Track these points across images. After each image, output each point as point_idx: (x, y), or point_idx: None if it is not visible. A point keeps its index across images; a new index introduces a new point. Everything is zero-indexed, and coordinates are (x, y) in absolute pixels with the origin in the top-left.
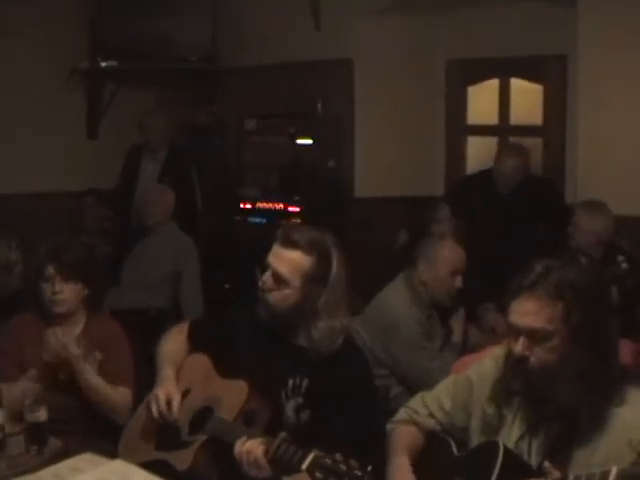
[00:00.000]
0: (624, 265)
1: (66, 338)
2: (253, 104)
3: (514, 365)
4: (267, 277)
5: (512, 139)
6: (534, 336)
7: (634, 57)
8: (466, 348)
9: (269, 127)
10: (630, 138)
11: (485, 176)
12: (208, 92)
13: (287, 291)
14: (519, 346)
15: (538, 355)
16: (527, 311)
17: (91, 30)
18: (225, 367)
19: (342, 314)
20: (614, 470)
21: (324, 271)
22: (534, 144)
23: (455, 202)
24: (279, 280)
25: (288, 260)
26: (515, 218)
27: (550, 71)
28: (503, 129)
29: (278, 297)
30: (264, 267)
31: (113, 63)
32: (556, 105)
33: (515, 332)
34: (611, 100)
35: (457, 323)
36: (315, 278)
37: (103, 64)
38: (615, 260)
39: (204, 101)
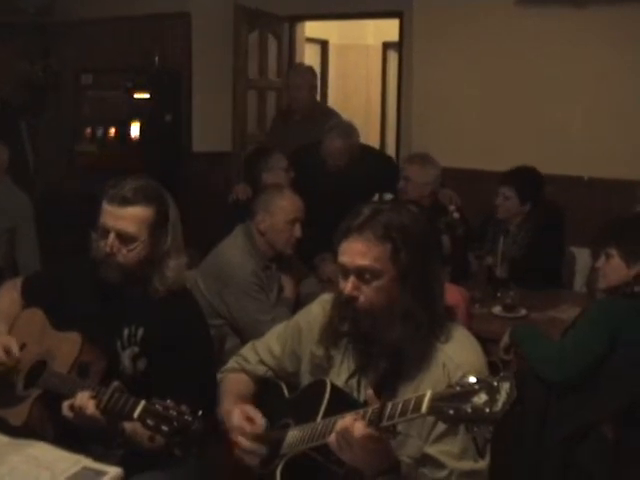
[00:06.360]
0: (455, 214)
1: None
2: (89, 58)
3: (343, 306)
4: (112, 240)
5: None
6: (363, 275)
7: (465, 17)
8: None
9: (106, 82)
10: (459, 94)
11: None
12: (43, 46)
13: (137, 247)
14: (348, 286)
15: (367, 295)
16: (356, 251)
17: None
18: (60, 320)
19: (184, 247)
20: (428, 394)
21: (164, 214)
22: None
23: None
24: (126, 239)
25: (131, 218)
26: (346, 192)
27: None
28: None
29: (129, 255)
30: (102, 231)
31: None
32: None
33: (344, 272)
34: (444, 57)
35: (288, 279)
36: (159, 224)
37: None
38: (446, 210)
39: (39, 55)
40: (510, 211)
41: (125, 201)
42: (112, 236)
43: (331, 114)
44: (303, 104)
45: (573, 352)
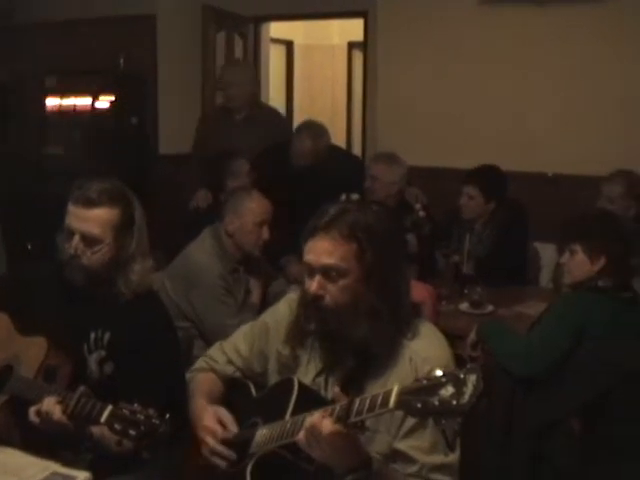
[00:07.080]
0: (421, 213)
1: None
2: (54, 61)
3: (309, 305)
4: (76, 242)
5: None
6: (329, 274)
7: (429, 16)
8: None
9: (70, 84)
10: (424, 93)
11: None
12: (7, 49)
13: (101, 249)
14: (314, 285)
15: (332, 294)
16: (322, 250)
17: None
18: (26, 324)
19: (149, 251)
20: (395, 388)
21: (129, 216)
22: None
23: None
24: (91, 241)
25: (95, 219)
26: (312, 193)
27: None
28: None
29: (93, 257)
30: (67, 233)
31: None
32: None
33: (310, 271)
34: (408, 57)
35: (256, 285)
36: (124, 226)
37: None
38: (412, 208)
39: (4, 58)
40: (475, 211)
41: (90, 203)
42: (77, 238)
43: (275, 114)
44: (244, 102)
45: (540, 347)
